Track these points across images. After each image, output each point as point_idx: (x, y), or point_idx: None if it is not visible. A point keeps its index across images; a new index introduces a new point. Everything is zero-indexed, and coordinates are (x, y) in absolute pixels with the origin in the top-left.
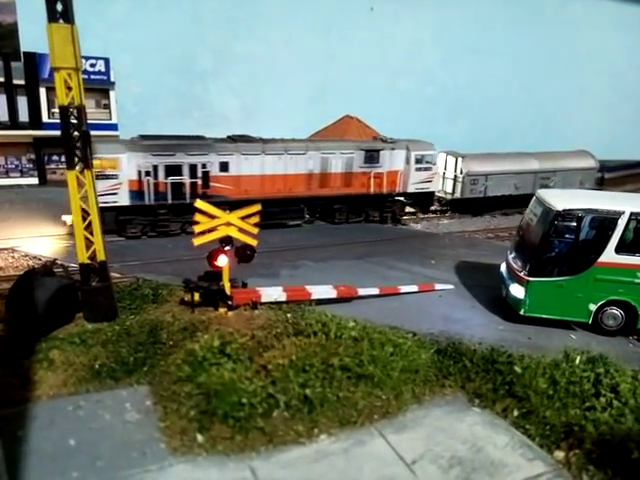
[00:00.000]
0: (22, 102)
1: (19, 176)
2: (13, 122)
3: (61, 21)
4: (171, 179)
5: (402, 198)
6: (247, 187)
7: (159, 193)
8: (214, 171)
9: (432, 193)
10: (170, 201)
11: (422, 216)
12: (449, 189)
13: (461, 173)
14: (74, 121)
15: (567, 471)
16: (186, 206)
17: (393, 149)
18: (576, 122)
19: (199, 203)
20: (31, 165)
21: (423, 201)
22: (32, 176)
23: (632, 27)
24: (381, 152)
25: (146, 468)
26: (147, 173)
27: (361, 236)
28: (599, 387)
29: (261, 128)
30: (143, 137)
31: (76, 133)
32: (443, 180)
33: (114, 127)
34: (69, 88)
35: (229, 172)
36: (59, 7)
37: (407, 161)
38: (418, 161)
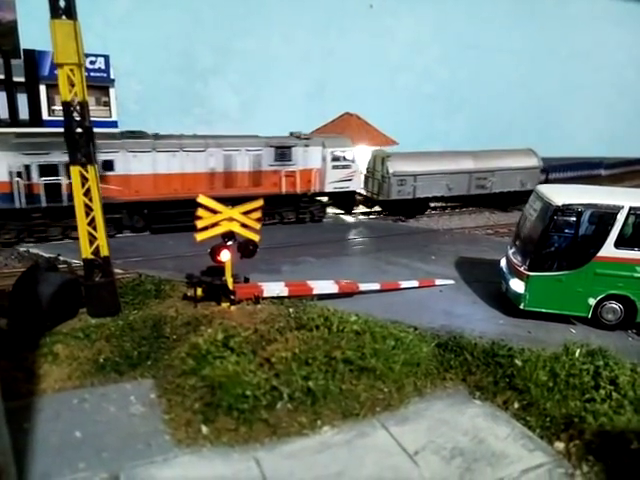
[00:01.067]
0: (22, 99)
1: None
2: (13, 120)
3: (64, 17)
4: (45, 180)
5: (325, 198)
6: (138, 187)
7: (32, 195)
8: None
9: (353, 193)
10: (45, 204)
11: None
12: (376, 189)
13: (387, 173)
14: (77, 117)
15: (567, 461)
16: (64, 209)
17: (307, 146)
18: (575, 118)
19: (201, 198)
20: None
21: (344, 201)
22: None
23: (632, 23)
24: (293, 149)
25: (151, 459)
26: (18, 174)
27: (361, 232)
28: (598, 379)
29: (260, 125)
30: (17, 135)
31: (79, 129)
32: (373, 180)
33: (114, 124)
34: (72, 84)
35: (115, 171)
36: (62, 3)
37: (323, 159)
38: (335, 158)
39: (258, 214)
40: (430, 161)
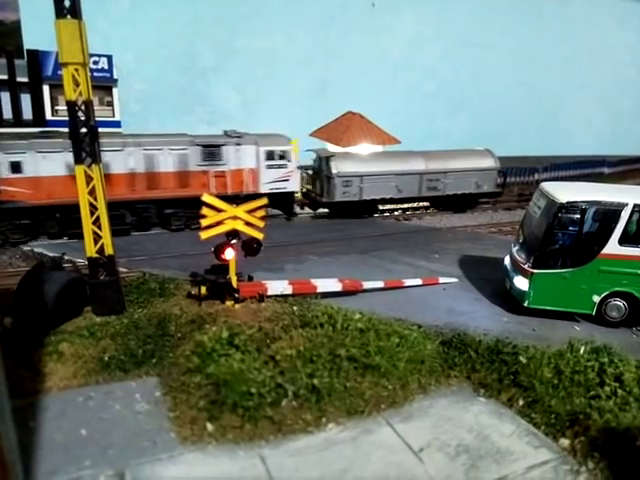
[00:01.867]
0: (25, 100)
1: None
2: (17, 119)
3: (69, 17)
4: None
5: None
6: (50, 190)
7: None
8: (4, 172)
9: (292, 194)
10: None
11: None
12: (321, 191)
13: (331, 173)
14: (82, 116)
15: (572, 458)
16: None
17: (239, 144)
18: (577, 117)
19: (206, 197)
20: None
21: (282, 203)
22: None
23: (634, 22)
24: (223, 148)
25: (157, 457)
26: None
27: (365, 231)
28: (603, 376)
29: (262, 124)
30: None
31: (84, 128)
32: (320, 181)
33: (117, 124)
34: (77, 83)
35: (23, 173)
36: (67, 3)
37: (257, 158)
38: (269, 157)
39: (262, 212)
40: (378, 162)
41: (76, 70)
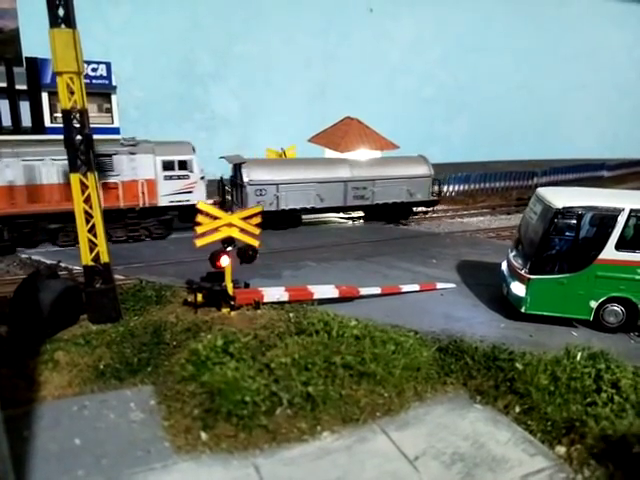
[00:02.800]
0: (24, 107)
1: None
2: (16, 127)
3: (63, 26)
4: None
5: (175, 213)
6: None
7: None
8: None
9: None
10: None
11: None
12: (235, 200)
13: (242, 181)
14: (77, 125)
15: (568, 466)
16: None
17: (133, 153)
18: (577, 120)
19: (201, 204)
20: None
21: (187, 216)
22: None
23: (633, 24)
24: (115, 157)
25: (151, 466)
26: None
27: (362, 236)
28: (600, 383)
29: (261, 130)
30: None
31: (79, 137)
32: (235, 190)
33: (116, 131)
34: (72, 92)
35: None
36: (61, 12)
37: (155, 168)
38: (167, 167)
39: (258, 219)
40: (296, 168)
41: (71, 79)
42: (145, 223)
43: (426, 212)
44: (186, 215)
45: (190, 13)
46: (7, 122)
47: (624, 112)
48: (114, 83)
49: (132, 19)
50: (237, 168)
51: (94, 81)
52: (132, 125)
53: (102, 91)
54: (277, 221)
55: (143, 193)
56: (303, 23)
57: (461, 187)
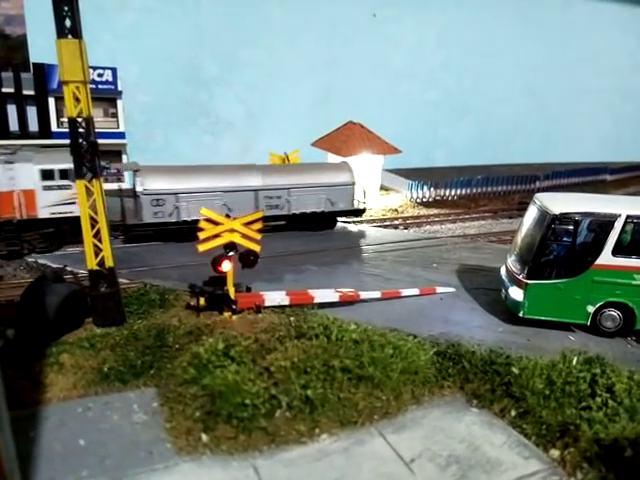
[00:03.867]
0: (32, 112)
1: None
2: (23, 131)
3: (70, 36)
4: None
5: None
6: None
7: None
8: None
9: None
10: None
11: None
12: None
13: (136, 191)
14: (82, 132)
15: (562, 469)
16: None
17: (9, 162)
18: (580, 124)
19: (204, 210)
20: None
21: (74, 230)
22: None
23: (636, 28)
24: None
25: (153, 467)
26: None
27: (363, 241)
28: (595, 387)
29: (265, 134)
30: None
31: (85, 143)
32: (135, 201)
33: (122, 135)
34: (78, 100)
35: None
36: (67, 23)
37: (33, 178)
38: (47, 177)
39: (259, 225)
40: (199, 176)
41: (77, 88)
42: (27, 236)
43: (356, 221)
44: (78, 228)
45: (195, 19)
46: (14, 127)
47: (627, 116)
48: (120, 88)
49: (138, 25)
50: (133, 176)
51: (100, 86)
52: (138, 129)
53: (108, 96)
54: (178, 233)
55: (20, 204)
56: (307, 29)
57: (463, 191)
